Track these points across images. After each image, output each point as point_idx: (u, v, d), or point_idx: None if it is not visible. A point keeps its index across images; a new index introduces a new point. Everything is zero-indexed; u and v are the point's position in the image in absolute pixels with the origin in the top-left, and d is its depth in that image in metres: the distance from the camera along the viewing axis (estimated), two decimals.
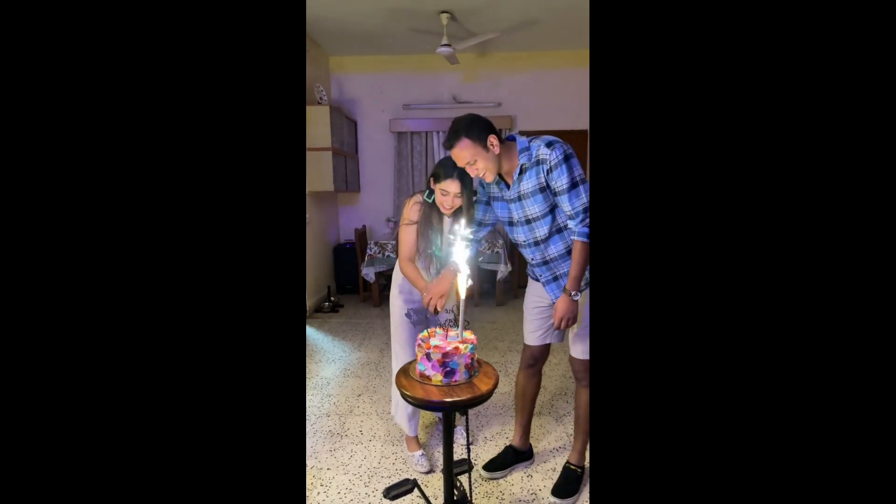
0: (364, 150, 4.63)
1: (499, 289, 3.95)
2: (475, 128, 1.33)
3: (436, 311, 1.47)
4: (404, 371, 1.21)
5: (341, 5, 3.16)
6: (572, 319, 1.40)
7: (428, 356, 1.13)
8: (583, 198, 1.32)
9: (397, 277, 1.71)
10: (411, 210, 1.61)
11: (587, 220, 1.33)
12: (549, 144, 1.33)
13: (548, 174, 1.34)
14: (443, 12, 3.26)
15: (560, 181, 1.32)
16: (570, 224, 1.37)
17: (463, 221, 1.31)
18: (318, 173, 3.76)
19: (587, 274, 1.43)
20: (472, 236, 1.55)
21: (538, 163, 1.35)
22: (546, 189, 1.37)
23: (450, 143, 1.34)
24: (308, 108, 3.68)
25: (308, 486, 1.62)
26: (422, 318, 1.71)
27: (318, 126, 3.71)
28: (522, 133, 4.39)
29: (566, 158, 1.31)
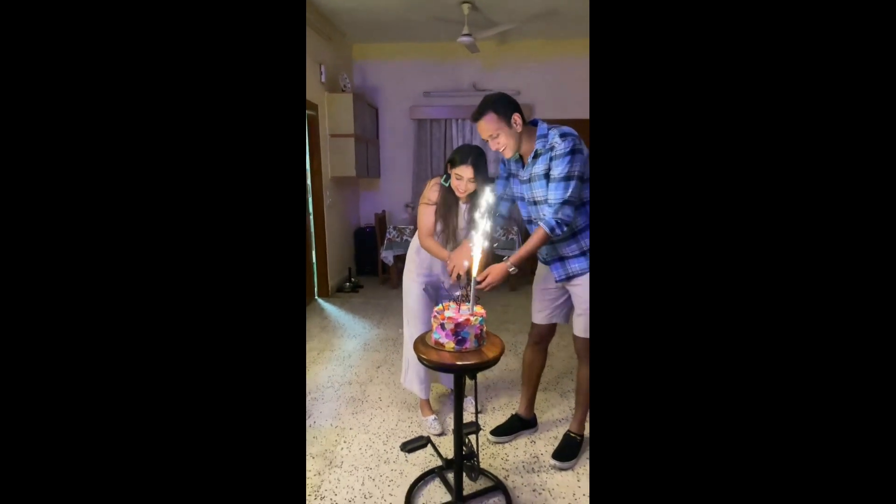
0: (384, 137, 4.76)
1: (522, 265, 4.07)
2: (502, 104, 1.45)
3: (458, 278, 1.57)
4: (421, 339, 1.36)
5: None
6: (495, 283, 1.47)
7: (442, 326, 1.28)
8: (568, 192, 1.42)
9: (412, 256, 1.86)
10: (431, 190, 1.76)
11: (559, 214, 1.42)
12: (562, 135, 1.44)
13: (551, 160, 1.45)
14: (464, 2, 3.33)
15: (557, 170, 1.43)
16: (545, 209, 1.46)
17: (478, 204, 1.44)
18: (341, 159, 3.91)
19: (586, 262, 1.54)
20: (493, 210, 1.65)
21: (551, 149, 1.45)
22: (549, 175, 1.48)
23: (478, 115, 1.47)
24: (332, 95, 3.82)
25: (332, 443, 1.81)
26: (435, 292, 1.87)
27: (341, 113, 3.84)
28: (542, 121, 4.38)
29: (572, 152, 1.41)
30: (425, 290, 1.85)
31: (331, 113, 3.83)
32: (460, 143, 4.64)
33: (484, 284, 1.46)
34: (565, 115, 4.46)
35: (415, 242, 1.88)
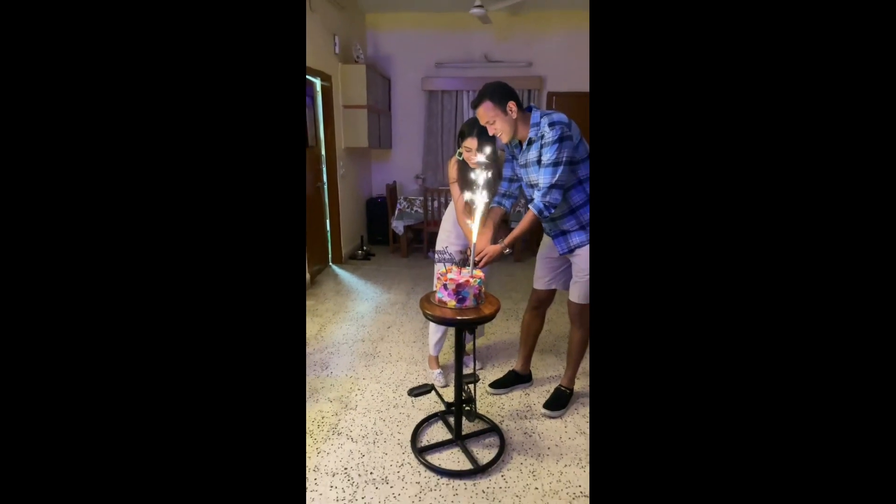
0: (396, 108, 4.82)
1: (517, 246, 4.22)
2: (498, 93, 1.59)
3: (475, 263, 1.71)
4: (427, 298, 1.54)
5: None
6: (491, 261, 1.64)
7: (445, 286, 1.45)
8: (555, 177, 1.56)
9: (448, 228, 2.00)
10: (451, 169, 1.90)
11: (547, 197, 1.57)
12: (551, 124, 1.56)
13: (541, 148, 1.58)
14: None
15: (546, 156, 1.56)
16: (534, 192, 1.61)
17: (484, 175, 1.57)
18: (354, 130, 4.01)
19: (585, 235, 1.68)
20: (505, 191, 1.82)
21: (541, 137, 1.58)
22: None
23: (476, 102, 1.61)
24: (345, 66, 3.89)
25: (348, 390, 2.03)
26: (443, 257, 2.03)
27: (354, 84, 3.92)
28: (551, 94, 4.47)
29: (560, 140, 1.54)
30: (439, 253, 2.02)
31: (344, 84, 3.91)
32: (471, 114, 4.68)
33: (482, 263, 1.64)
34: (577, 88, 4.46)
35: (447, 219, 2.02)
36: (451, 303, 1.45)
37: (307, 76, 3.38)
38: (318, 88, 3.63)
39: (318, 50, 3.40)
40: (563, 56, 4.43)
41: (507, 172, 1.82)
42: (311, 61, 3.24)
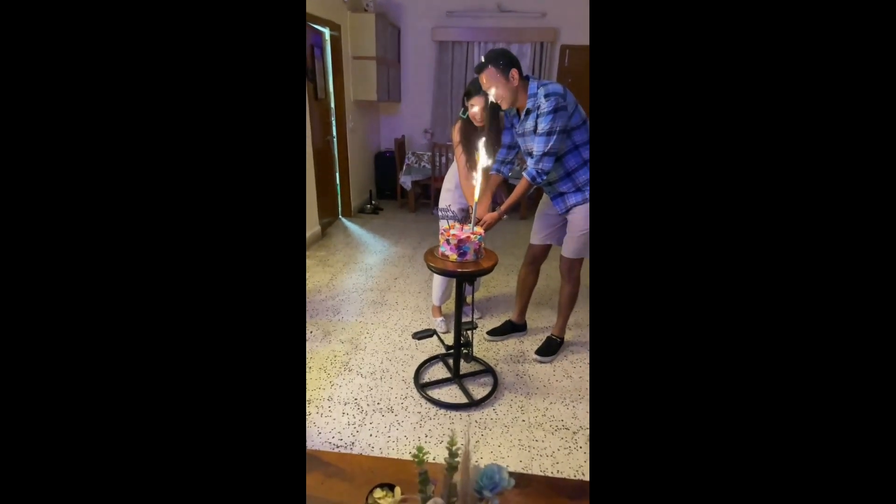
0: (406, 59, 4.73)
1: (523, 203, 4.29)
2: (501, 60, 1.65)
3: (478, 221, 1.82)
4: (430, 252, 1.67)
5: None
6: (488, 226, 1.77)
7: (448, 241, 1.57)
8: (548, 146, 1.64)
9: (451, 188, 2.09)
10: (456, 133, 1.96)
11: (539, 164, 1.66)
12: (546, 96, 1.62)
13: (537, 118, 1.65)
14: None
15: (541, 126, 1.64)
16: (528, 160, 1.71)
17: (491, 134, 1.66)
18: (363, 82, 3.98)
19: (588, 192, 1.78)
20: (504, 157, 1.91)
21: (538, 108, 1.65)
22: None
23: (479, 68, 1.68)
24: (354, 15, 3.80)
25: (357, 332, 2.23)
26: (447, 214, 2.15)
27: (363, 34, 3.84)
28: (565, 47, 4.38)
29: (555, 110, 1.61)
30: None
31: (353, 34, 3.84)
32: None
33: (482, 229, 1.74)
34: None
35: (449, 179, 2.10)
36: (453, 256, 1.58)
37: (315, 25, 3.33)
38: (327, 38, 3.58)
39: None
40: (577, 8, 4.26)
41: (506, 140, 1.89)
42: (318, 9, 3.19)
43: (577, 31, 4.34)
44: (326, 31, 3.53)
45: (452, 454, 0.68)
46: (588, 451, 1.51)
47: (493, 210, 1.82)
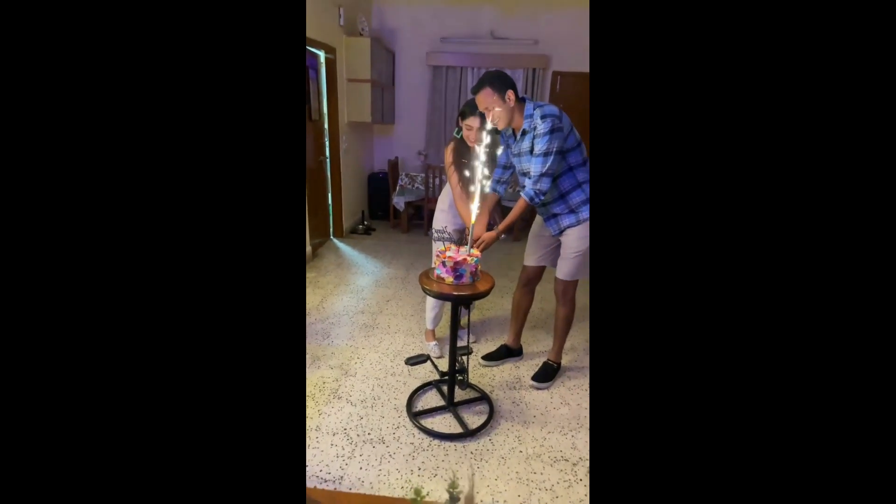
0: (400, 82, 4.79)
1: (516, 225, 4.29)
2: (498, 81, 1.65)
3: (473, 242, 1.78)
4: (426, 274, 1.62)
5: None
6: (486, 246, 1.75)
7: (444, 263, 1.53)
8: (545, 166, 1.64)
9: (445, 208, 2.06)
10: (448, 153, 1.95)
11: (537, 185, 1.66)
12: (542, 117, 1.63)
13: (534, 139, 1.65)
14: None
15: (538, 147, 1.64)
16: (526, 181, 1.70)
17: (487, 155, 1.63)
18: (357, 104, 4.01)
19: (581, 214, 1.76)
20: (499, 177, 1.90)
21: (534, 129, 1.65)
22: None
23: (476, 88, 1.69)
24: (350, 38, 3.85)
25: (348, 358, 2.15)
26: (443, 236, 2.11)
27: (358, 58, 3.89)
28: (556, 73, 4.46)
29: (551, 131, 1.62)
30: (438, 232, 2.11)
31: (348, 57, 3.88)
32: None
33: (480, 249, 1.72)
34: (583, 68, 4.43)
35: (443, 200, 2.08)
36: (449, 279, 1.54)
37: (311, 48, 3.37)
38: (322, 61, 3.61)
39: (322, 22, 3.37)
40: (569, 36, 4.38)
41: (501, 160, 1.89)
42: (314, 33, 3.22)
43: (568, 58, 4.44)
44: (322, 54, 3.57)
45: (453, 498, 0.62)
46: (588, 485, 1.44)
47: (490, 230, 1.80)
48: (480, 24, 4.50)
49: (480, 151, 1.57)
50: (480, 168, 1.56)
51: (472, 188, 1.96)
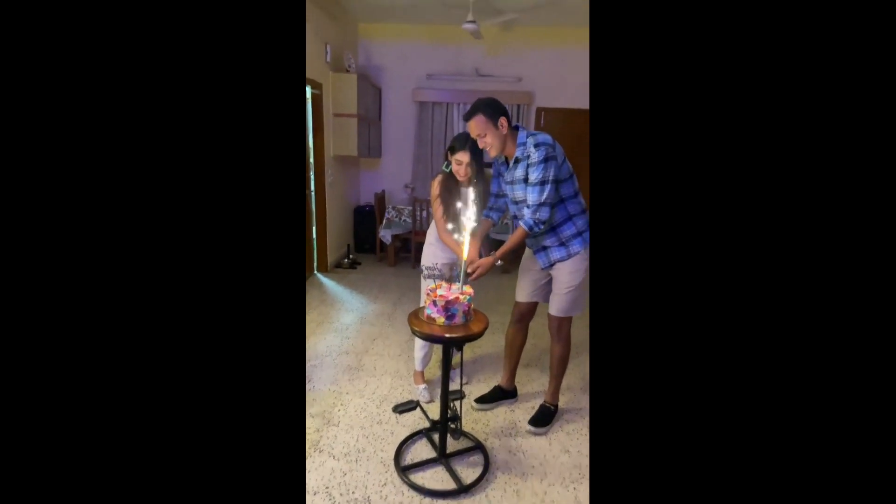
0: (387, 117, 4.82)
1: (507, 257, 4.23)
2: (491, 108, 1.62)
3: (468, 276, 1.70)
4: (415, 314, 1.52)
5: None
6: (483, 274, 1.68)
7: (434, 303, 1.44)
8: (543, 195, 1.60)
9: (433, 242, 2.00)
10: (434, 187, 1.90)
11: (537, 214, 1.61)
12: (536, 145, 1.60)
13: (528, 167, 1.61)
14: None
15: (533, 175, 1.60)
16: (524, 210, 1.65)
17: (475, 189, 1.59)
18: (344, 138, 3.99)
19: (572, 247, 1.71)
20: (492, 205, 1.85)
21: (527, 157, 1.62)
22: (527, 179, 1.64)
23: (469, 115, 1.65)
24: (336, 74, 3.88)
25: (330, 405, 1.99)
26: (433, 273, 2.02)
27: (345, 93, 3.91)
28: (540, 109, 4.54)
29: (545, 160, 1.58)
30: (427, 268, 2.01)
31: (335, 92, 3.89)
32: (460, 127, 4.72)
33: (474, 276, 1.64)
34: (564, 104, 4.54)
35: (431, 233, 2.01)
36: (440, 319, 1.44)
37: None
38: (308, 96, 3.61)
39: (309, 58, 3.39)
40: (552, 73, 4.51)
41: (494, 188, 1.86)
42: None
43: (552, 95, 4.55)
44: (308, 90, 3.57)
45: None
46: None
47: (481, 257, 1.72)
48: (465, 62, 4.61)
49: (470, 190, 1.52)
50: (471, 204, 1.50)
51: (459, 222, 1.90)
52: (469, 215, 1.50)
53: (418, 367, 2.11)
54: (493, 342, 2.68)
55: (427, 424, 1.79)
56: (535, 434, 1.85)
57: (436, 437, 1.70)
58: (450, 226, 1.82)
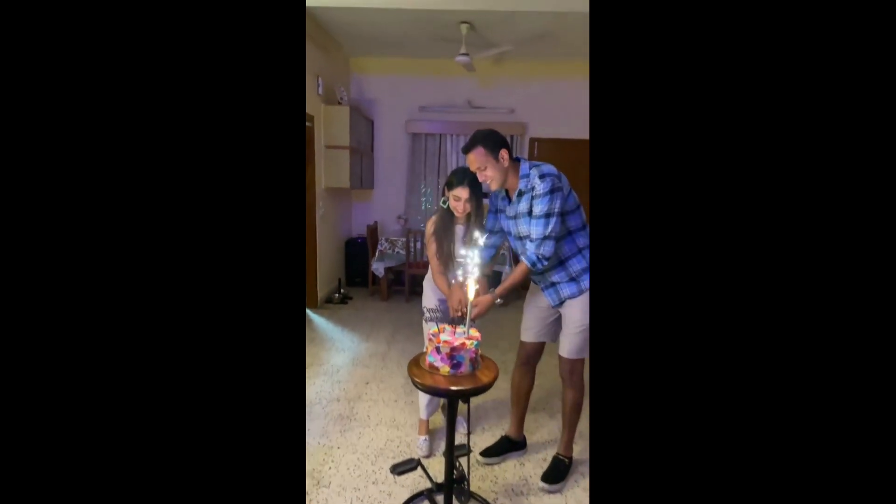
0: (379, 149, 4.78)
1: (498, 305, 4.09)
2: (491, 140, 1.52)
3: (459, 315, 1.62)
4: (415, 362, 1.36)
5: (366, 12, 3.30)
6: (483, 313, 1.56)
7: (438, 349, 1.28)
8: (548, 229, 1.49)
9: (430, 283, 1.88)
10: (430, 226, 1.79)
11: (541, 249, 1.50)
12: (541, 177, 1.50)
13: (532, 200, 1.51)
14: (463, 22, 3.39)
15: (538, 208, 1.50)
16: (528, 245, 1.54)
17: (473, 227, 1.47)
18: (335, 170, 3.92)
19: (583, 282, 1.59)
20: (485, 242, 1.72)
21: (531, 189, 1.52)
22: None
23: (468, 147, 1.53)
24: (328, 107, 3.84)
25: (320, 462, 1.79)
26: (436, 315, 1.88)
27: (337, 125, 3.86)
28: (533, 140, 4.51)
29: (551, 191, 1.48)
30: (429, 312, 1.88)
31: (327, 124, 3.84)
32: (454, 158, 4.69)
33: (473, 315, 1.50)
34: (557, 135, 4.55)
35: (429, 274, 1.91)
36: (445, 368, 1.28)
37: None
38: None
39: None
40: (544, 104, 4.54)
41: (489, 224, 1.74)
42: None
43: (545, 125, 4.57)
44: None
45: None
46: None
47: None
48: (458, 94, 4.62)
49: (462, 233, 1.39)
50: (471, 245, 1.38)
51: (454, 257, 1.78)
52: (468, 254, 1.37)
53: (423, 415, 1.92)
54: (496, 384, 2.49)
55: (429, 485, 1.59)
56: (549, 492, 1.66)
57: (440, 499, 1.50)
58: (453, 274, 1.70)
